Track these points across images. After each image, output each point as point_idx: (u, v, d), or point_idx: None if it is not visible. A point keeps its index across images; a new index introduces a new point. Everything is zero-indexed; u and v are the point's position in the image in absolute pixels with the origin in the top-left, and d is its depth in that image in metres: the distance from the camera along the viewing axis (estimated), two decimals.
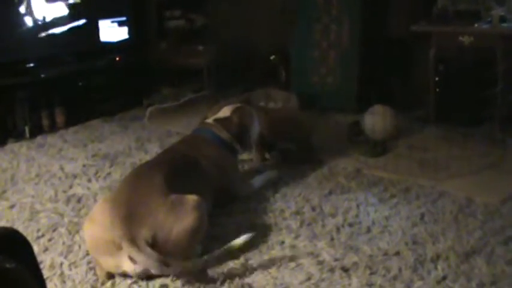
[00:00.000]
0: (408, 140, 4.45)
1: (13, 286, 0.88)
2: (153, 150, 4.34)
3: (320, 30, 5.33)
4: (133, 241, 2.47)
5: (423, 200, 3.34)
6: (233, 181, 3.42)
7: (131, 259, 2.48)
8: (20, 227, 3.11)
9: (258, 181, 3.64)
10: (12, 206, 3.43)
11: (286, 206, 3.31)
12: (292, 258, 2.71)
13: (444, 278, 2.53)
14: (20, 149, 4.48)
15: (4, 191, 3.67)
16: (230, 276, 2.57)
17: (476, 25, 4.51)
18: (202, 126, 3.53)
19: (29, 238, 2.89)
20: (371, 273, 2.57)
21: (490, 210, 3.20)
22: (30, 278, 0.94)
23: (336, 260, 2.69)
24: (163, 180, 2.75)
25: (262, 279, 2.56)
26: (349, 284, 2.50)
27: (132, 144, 4.52)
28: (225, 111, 3.54)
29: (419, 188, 3.51)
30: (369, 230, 2.99)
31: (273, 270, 2.62)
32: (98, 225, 2.60)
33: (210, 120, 3.52)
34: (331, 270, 2.61)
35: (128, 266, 2.52)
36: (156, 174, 2.81)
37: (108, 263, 2.54)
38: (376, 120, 4.34)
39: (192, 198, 2.68)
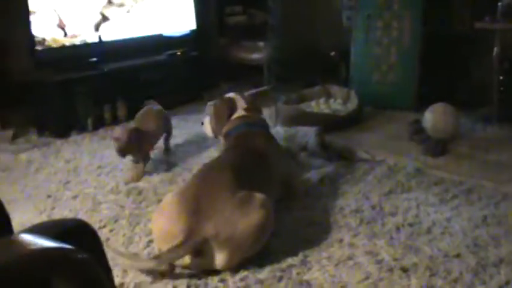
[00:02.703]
0: (470, 140, 4.37)
1: (85, 277, 0.90)
2: (213, 144, 4.37)
3: (381, 27, 5.28)
4: (191, 237, 2.50)
5: (485, 201, 3.26)
6: (289, 170, 3.46)
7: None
8: (82, 217, 3.17)
9: (314, 176, 3.64)
10: (75, 197, 3.51)
11: (346, 204, 3.29)
12: (350, 257, 2.69)
13: (507, 283, 2.46)
14: (82, 141, 4.58)
15: (68, 182, 3.76)
16: (288, 272, 2.58)
17: None
18: (234, 125, 3.40)
19: None
20: (431, 275, 2.52)
21: None
22: (100, 268, 0.97)
23: (395, 259, 2.66)
24: (232, 177, 2.75)
25: (320, 276, 2.55)
26: (408, 285, 2.46)
27: (192, 139, 4.57)
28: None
29: (482, 190, 3.42)
30: (429, 231, 2.94)
31: (331, 268, 2.60)
32: (165, 217, 2.64)
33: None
34: (390, 270, 2.58)
35: (189, 259, 2.55)
36: (226, 171, 2.81)
37: None
38: (437, 118, 4.26)
39: (259, 196, 2.67)
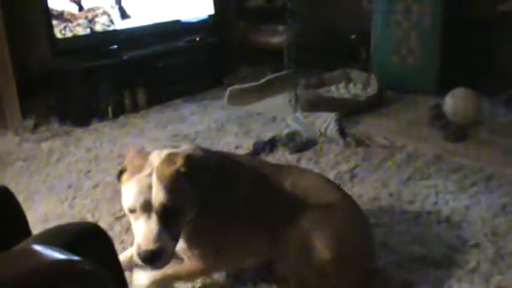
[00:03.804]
0: (491, 125, 4.29)
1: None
2: (233, 131, 4.38)
3: (401, 10, 5.22)
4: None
5: (505, 189, 3.23)
6: None
7: None
8: (103, 207, 3.23)
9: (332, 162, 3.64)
10: (96, 186, 3.55)
11: (364, 191, 3.29)
12: None
13: None
14: (103, 129, 4.61)
15: (89, 171, 3.80)
16: None
17: None
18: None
19: (111, 218, 3.03)
20: (449, 264, 2.53)
21: None
22: (109, 280, 0.99)
23: (412, 248, 2.66)
24: None
25: None
26: (426, 275, 2.46)
27: (211, 125, 4.57)
28: None
29: (502, 177, 3.39)
30: (448, 219, 2.93)
31: None
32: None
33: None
34: (408, 259, 2.58)
35: None
36: None
37: None
38: (457, 103, 4.22)
39: None
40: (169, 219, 2.00)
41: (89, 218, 3.13)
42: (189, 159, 2.09)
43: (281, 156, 3.85)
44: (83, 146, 4.24)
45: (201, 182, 2.11)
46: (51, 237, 1.25)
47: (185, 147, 2.32)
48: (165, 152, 2.15)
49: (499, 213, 2.96)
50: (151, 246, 1.92)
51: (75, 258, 0.93)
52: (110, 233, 2.86)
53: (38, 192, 3.50)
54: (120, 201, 3.20)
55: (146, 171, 2.04)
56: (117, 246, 2.64)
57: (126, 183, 2.08)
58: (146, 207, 1.99)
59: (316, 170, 3.59)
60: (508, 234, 2.75)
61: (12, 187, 3.48)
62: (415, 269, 2.51)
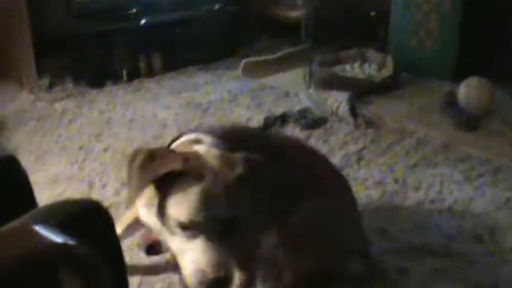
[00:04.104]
0: (503, 116, 4.21)
1: (87, 271, 0.95)
2: (245, 103, 4.39)
3: None
4: None
5: (511, 183, 3.23)
6: None
7: None
8: (112, 171, 3.27)
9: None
10: (106, 149, 3.60)
11: (370, 175, 3.30)
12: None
13: None
14: (117, 92, 4.62)
15: (100, 134, 3.84)
16: None
17: None
18: None
19: (119, 182, 3.07)
20: (446, 255, 2.55)
21: None
22: (102, 264, 1.01)
23: (412, 236, 2.69)
24: None
25: None
26: (422, 264, 2.49)
27: (225, 96, 4.57)
28: None
29: (509, 170, 3.37)
30: (450, 209, 2.95)
31: None
32: None
33: None
34: (406, 247, 2.61)
35: None
36: None
37: None
38: (471, 93, 4.17)
39: None
40: (232, 236, 1.66)
41: (97, 182, 3.19)
42: (250, 164, 1.73)
43: (291, 133, 3.87)
44: (96, 108, 4.27)
45: (260, 190, 1.80)
46: (50, 214, 1.27)
47: (208, 139, 1.93)
48: (214, 151, 1.79)
49: (502, 207, 2.96)
50: (222, 272, 1.58)
51: (71, 242, 0.96)
52: (116, 199, 2.95)
53: (50, 153, 3.55)
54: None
55: (208, 178, 1.65)
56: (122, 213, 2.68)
57: (182, 191, 1.64)
58: (212, 223, 1.62)
59: (325, 149, 3.61)
60: (509, 228, 2.76)
61: (25, 146, 3.60)
62: (412, 256, 2.54)
